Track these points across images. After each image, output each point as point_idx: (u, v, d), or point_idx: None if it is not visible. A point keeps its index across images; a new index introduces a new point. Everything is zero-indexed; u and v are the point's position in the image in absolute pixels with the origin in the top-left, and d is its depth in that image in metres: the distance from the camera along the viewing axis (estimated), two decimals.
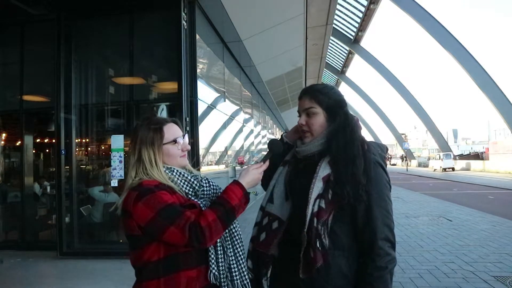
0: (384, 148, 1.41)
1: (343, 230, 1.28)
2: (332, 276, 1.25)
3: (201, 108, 5.19)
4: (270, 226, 1.35)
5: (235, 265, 1.29)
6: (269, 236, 1.34)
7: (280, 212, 1.35)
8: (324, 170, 1.27)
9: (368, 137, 1.43)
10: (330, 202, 1.24)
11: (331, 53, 31.33)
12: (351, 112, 1.39)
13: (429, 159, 39.09)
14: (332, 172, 1.26)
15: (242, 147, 9.74)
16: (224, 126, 7.25)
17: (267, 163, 1.36)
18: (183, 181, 1.29)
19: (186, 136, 1.37)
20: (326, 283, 1.24)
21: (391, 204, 1.30)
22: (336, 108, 1.34)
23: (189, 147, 1.37)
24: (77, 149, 5.35)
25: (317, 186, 1.25)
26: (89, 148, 5.77)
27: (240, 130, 9.32)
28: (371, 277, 1.23)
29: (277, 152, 1.41)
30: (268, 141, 1.46)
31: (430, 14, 22.18)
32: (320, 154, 1.33)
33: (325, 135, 1.34)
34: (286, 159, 1.43)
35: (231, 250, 1.30)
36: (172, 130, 1.32)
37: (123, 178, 4.82)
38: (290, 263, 1.30)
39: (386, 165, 1.37)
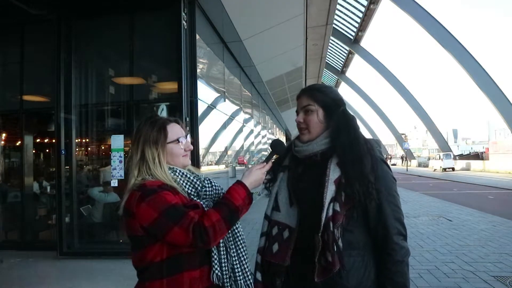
0: (380, 144, 1.44)
1: (356, 228, 1.28)
2: (350, 275, 1.24)
3: (201, 108, 5.19)
4: (282, 236, 1.33)
5: (238, 266, 1.29)
6: (283, 246, 1.32)
7: (288, 219, 1.33)
8: (334, 172, 1.26)
9: (367, 136, 1.44)
10: (344, 204, 1.24)
11: (331, 53, 31.31)
12: (349, 111, 1.39)
13: (429, 159, 39.09)
14: (342, 174, 1.26)
15: (242, 147, 9.75)
16: (224, 126, 7.25)
17: (270, 163, 1.35)
18: (185, 181, 1.29)
19: (189, 136, 1.37)
20: (347, 282, 1.24)
21: (399, 198, 1.32)
22: (333, 106, 1.35)
23: (191, 147, 1.37)
24: (77, 149, 5.34)
25: (330, 190, 1.24)
26: (89, 148, 5.77)
27: (240, 130, 9.32)
28: (390, 272, 1.25)
29: (280, 153, 1.41)
30: (270, 142, 1.46)
31: (430, 14, 22.17)
32: (322, 153, 1.32)
33: (327, 135, 1.33)
34: (285, 164, 1.42)
35: (234, 250, 1.30)
36: (175, 130, 1.33)
37: (123, 178, 4.82)
38: (302, 269, 1.29)
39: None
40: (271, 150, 1.42)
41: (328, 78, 40.03)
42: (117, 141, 4.93)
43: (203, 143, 5.60)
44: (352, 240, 1.26)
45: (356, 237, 1.27)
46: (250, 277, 1.31)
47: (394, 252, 1.25)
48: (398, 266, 1.25)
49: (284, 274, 1.33)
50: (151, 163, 1.25)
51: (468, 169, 27.89)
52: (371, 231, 1.29)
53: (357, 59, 31.49)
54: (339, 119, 1.32)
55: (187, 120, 4.67)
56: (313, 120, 1.34)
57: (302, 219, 1.32)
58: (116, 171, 4.86)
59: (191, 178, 1.30)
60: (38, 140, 7.14)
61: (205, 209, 1.24)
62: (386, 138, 65.93)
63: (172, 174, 1.28)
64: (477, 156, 33.40)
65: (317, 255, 1.21)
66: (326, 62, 21.75)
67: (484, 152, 32.25)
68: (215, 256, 1.25)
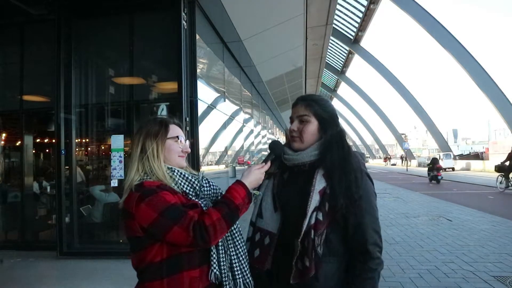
0: (364, 157, 1.50)
1: (337, 237, 1.33)
2: (327, 280, 1.29)
3: (201, 108, 5.18)
4: (263, 242, 1.38)
5: (237, 265, 1.30)
6: (263, 252, 1.37)
7: (270, 225, 1.39)
8: (319, 183, 1.31)
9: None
10: (327, 214, 1.29)
11: (331, 53, 31.34)
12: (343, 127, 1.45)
13: (429, 159, 39.08)
14: (328, 185, 1.31)
15: (242, 147, 9.74)
16: (224, 126, 7.25)
17: (269, 163, 1.38)
18: (183, 181, 1.30)
19: (188, 141, 1.41)
20: (323, 287, 1.28)
21: (377, 211, 1.37)
22: (329, 122, 1.39)
23: (189, 150, 1.41)
24: (77, 149, 5.34)
25: (314, 199, 1.29)
26: (89, 148, 5.78)
27: (240, 130, 9.31)
28: (361, 279, 1.29)
29: (278, 154, 1.43)
30: (269, 142, 1.48)
31: (430, 14, 22.18)
32: (311, 164, 1.37)
33: (318, 146, 1.37)
34: (270, 171, 1.45)
35: (233, 249, 1.31)
36: (176, 129, 1.37)
37: (123, 178, 4.82)
38: (280, 271, 1.34)
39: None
40: (269, 151, 1.44)
41: (328, 78, 40.04)
42: (117, 141, 4.93)
43: (203, 143, 5.59)
44: (332, 248, 1.31)
45: (336, 245, 1.32)
46: (249, 275, 1.33)
47: (370, 260, 1.30)
48: (370, 274, 1.30)
49: (267, 276, 1.38)
50: (150, 155, 1.28)
51: (468, 169, 27.86)
52: (349, 240, 1.33)
53: (357, 59, 31.55)
54: (333, 135, 1.37)
55: (187, 120, 4.67)
56: (307, 130, 1.38)
57: (285, 224, 1.37)
58: (116, 171, 4.86)
59: (189, 177, 1.32)
60: (38, 140, 7.14)
61: (204, 208, 1.25)
62: (386, 138, 65.94)
63: (171, 173, 1.29)
64: (477, 156, 33.42)
65: (295, 259, 1.27)
66: (326, 62, 21.77)
67: (484, 152, 32.29)
68: (214, 256, 1.25)
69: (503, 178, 12.59)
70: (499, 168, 12.92)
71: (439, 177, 16.90)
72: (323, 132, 1.38)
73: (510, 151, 12.73)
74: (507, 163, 12.44)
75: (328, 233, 1.30)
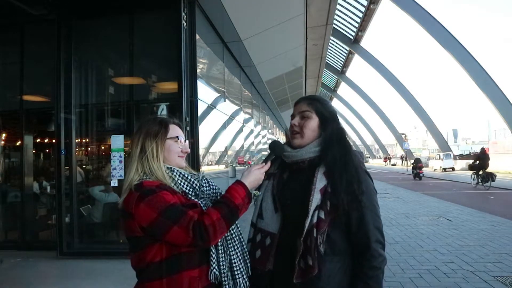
0: (363, 156, 1.52)
1: (339, 235, 1.33)
2: (330, 279, 1.29)
3: (201, 108, 5.18)
4: (264, 243, 1.39)
5: (237, 264, 1.30)
6: (264, 252, 1.38)
7: (271, 226, 1.40)
8: (320, 182, 1.32)
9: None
10: (329, 212, 1.29)
11: (331, 53, 31.33)
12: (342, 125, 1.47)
13: (429, 159, 39.02)
14: (328, 184, 1.31)
15: (242, 147, 9.74)
16: (224, 126, 7.24)
17: (269, 163, 1.39)
18: (183, 181, 1.30)
19: (188, 141, 1.41)
20: (327, 285, 1.28)
21: (378, 208, 1.38)
22: (330, 120, 1.42)
23: (189, 150, 1.41)
24: (77, 149, 5.34)
25: (316, 198, 1.29)
26: (89, 148, 5.78)
27: (240, 130, 9.30)
28: (366, 277, 1.30)
29: (278, 154, 1.44)
30: (270, 143, 1.49)
31: (430, 14, 22.17)
32: (310, 161, 1.38)
33: (318, 144, 1.39)
34: (270, 172, 1.45)
35: (233, 249, 1.31)
36: (176, 129, 1.37)
37: (123, 178, 4.82)
38: (283, 271, 1.34)
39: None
40: (270, 151, 1.44)
41: (328, 78, 40.03)
42: (117, 141, 4.93)
43: (203, 143, 5.58)
44: (334, 247, 1.32)
45: (338, 243, 1.33)
46: (245, 276, 1.32)
47: (372, 258, 1.30)
48: (374, 271, 1.30)
49: (268, 276, 1.38)
50: (150, 155, 1.27)
51: (468, 169, 27.80)
52: (352, 238, 1.34)
53: (357, 59, 31.54)
54: (333, 132, 1.40)
55: (187, 120, 4.67)
56: (308, 126, 1.41)
57: (286, 224, 1.38)
58: (116, 171, 4.86)
59: (189, 177, 1.31)
60: (38, 140, 7.14)
61: (203, 208, 1.25)
62: (386, 138, 65.95)
63: (170, 173, 1.29)
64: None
65: (298, 258, 1.27)
66: (326, 62, 21.77)
67: None
68: (213, 255, 1.25)
69: (475, 175, 14.70)
70: (471, 167, 15.13)
71: (421, 174, 20.13)
72: (323, 129, 1.40)
73: (478, 152, 14.78)
74: (477, 162, 14.42)
75: (330, 232, 1.30)
